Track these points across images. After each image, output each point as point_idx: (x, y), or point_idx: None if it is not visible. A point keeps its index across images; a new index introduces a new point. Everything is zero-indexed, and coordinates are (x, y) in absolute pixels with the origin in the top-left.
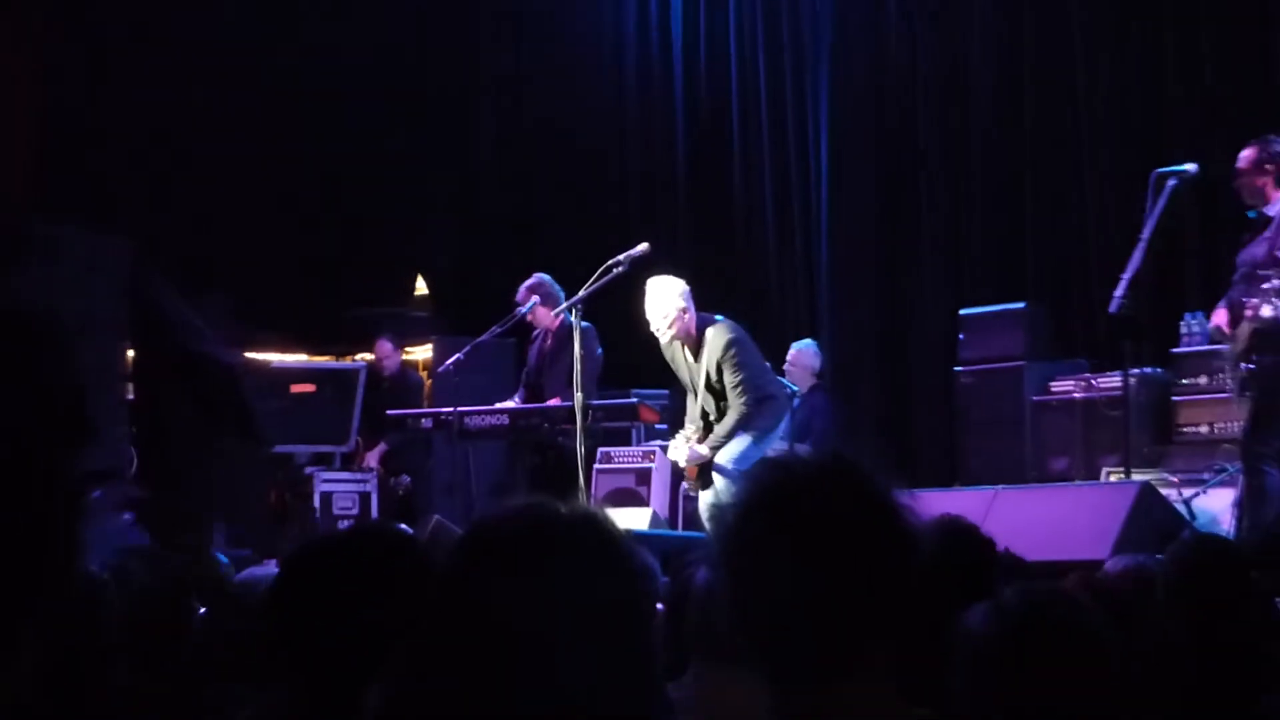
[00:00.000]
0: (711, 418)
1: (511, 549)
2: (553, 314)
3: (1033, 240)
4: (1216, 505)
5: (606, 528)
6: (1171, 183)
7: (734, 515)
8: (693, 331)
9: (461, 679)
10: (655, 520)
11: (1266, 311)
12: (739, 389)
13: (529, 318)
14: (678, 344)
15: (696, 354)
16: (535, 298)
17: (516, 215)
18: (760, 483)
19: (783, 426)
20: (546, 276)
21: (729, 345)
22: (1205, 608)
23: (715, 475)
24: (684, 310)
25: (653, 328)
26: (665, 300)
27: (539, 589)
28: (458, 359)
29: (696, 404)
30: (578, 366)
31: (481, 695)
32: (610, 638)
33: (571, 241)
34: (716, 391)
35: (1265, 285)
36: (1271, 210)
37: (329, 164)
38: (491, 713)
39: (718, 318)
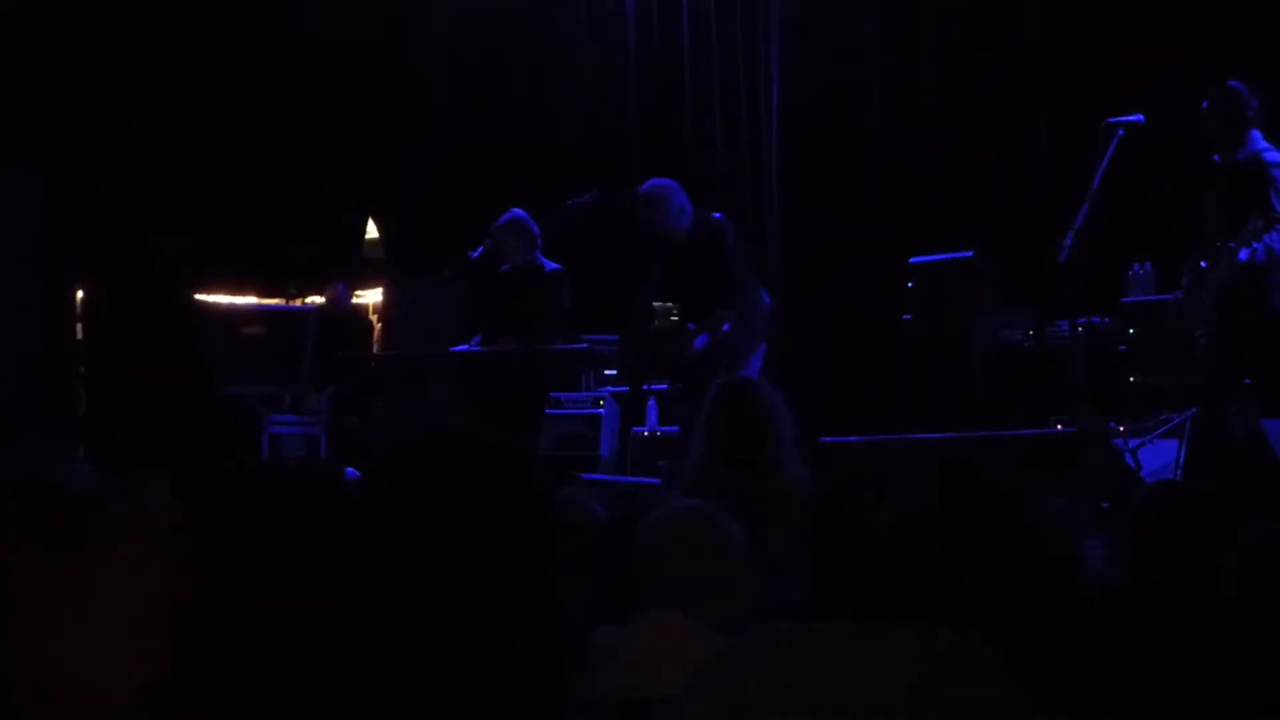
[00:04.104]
0: (692, 312)
1: (415, 468)
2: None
3: (982, 190)
4: (1162, 455)
5: (517, 457)
6: (1120, 133)
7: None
8: (690, 227)
9: (365, 590)
10: (603, 465)
11: (1243, 255)
12: (732, 285)
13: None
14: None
15: (691, 249)
16: (519, 241)
17: (468, 160)
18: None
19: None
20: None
21: (730, 240)
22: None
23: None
24: (682, 210)
25: (657, 233)
26: (666, 205)
27: (438, 505)
28: (408, 302)
29: (669, 304)
30: (541, 312)
31: (381, 605)
32: (508, 563)
33: (524, 188)
34: (704, 285)
35: (1249, 227)
36: (1243, 154)
37: (283, 105)
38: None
39: (715, 215)
